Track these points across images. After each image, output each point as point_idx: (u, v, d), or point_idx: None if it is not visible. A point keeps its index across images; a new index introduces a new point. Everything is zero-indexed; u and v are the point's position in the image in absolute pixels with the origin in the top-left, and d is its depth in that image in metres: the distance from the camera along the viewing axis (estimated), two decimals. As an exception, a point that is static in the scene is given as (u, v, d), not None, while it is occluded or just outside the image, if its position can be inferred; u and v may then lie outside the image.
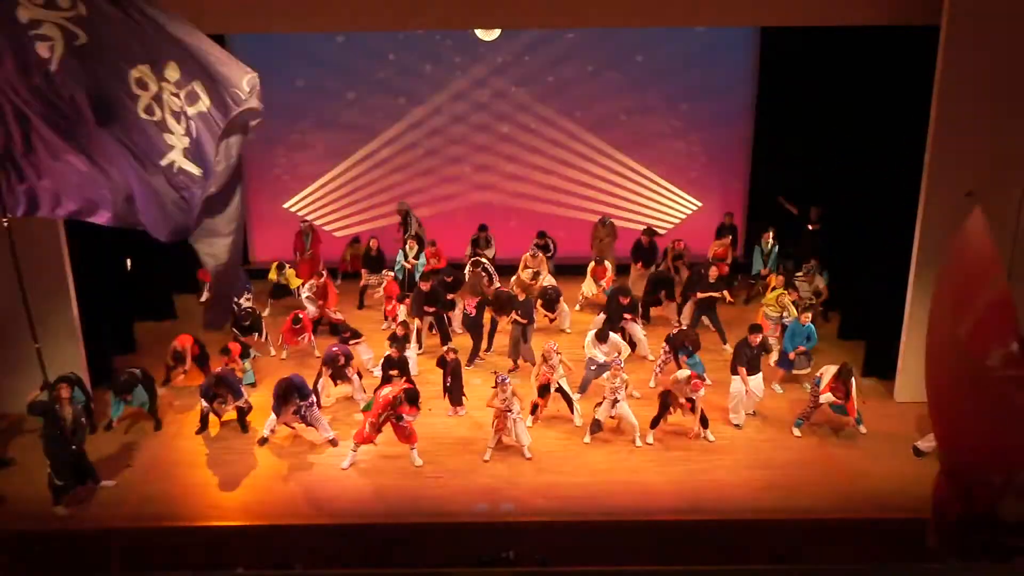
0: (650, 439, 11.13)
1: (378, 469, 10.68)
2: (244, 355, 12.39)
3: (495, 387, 10.68)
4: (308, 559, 9.21)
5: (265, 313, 14.02)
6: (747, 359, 11.38)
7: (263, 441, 11.08)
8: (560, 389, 11.40)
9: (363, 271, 14.95)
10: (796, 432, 11.33)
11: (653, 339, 13.21)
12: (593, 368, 11.86)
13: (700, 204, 16.21)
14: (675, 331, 12.37)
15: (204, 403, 11.17)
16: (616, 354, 11.50)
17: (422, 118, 15.70)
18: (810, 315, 12.32)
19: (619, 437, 11.24)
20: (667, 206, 16.21)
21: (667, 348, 12.17)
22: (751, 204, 15.89)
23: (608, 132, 15.87)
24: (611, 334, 11.94)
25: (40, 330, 11.14)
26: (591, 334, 12.00)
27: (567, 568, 8.53)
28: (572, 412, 11.47)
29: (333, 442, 11.03)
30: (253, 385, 12.32)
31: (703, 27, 14.54)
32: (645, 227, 15.22)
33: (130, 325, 13.56)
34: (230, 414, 11.42)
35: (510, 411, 10.60)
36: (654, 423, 11.12)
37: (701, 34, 15.06)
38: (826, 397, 10.94)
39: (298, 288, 14.19)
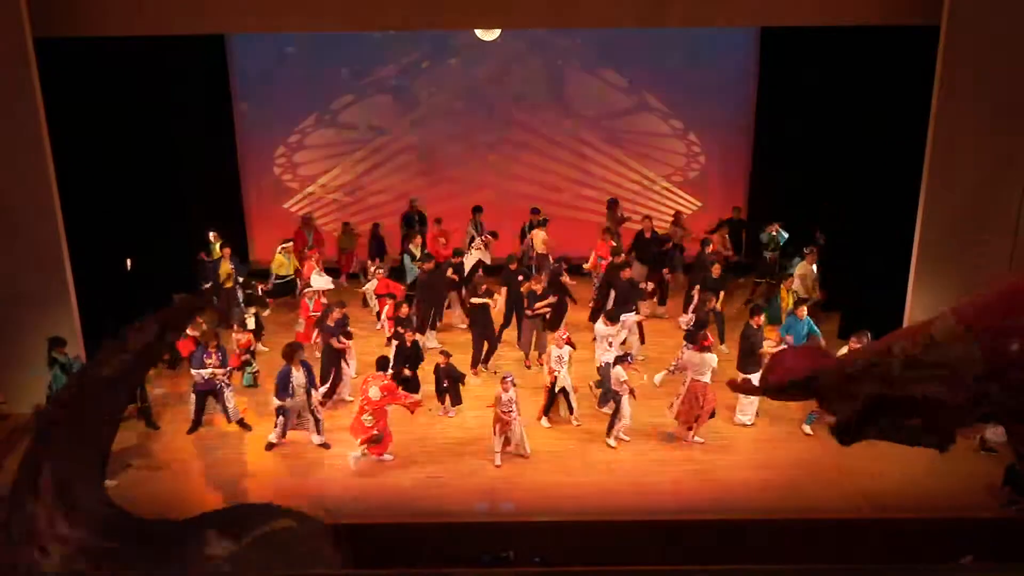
0: (697, 439, 11.09)
1: (378, 469, 10.67)
2: (246, 363, 12.28)
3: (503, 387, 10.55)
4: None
5: (266, 313, 14.01)
6: (752, 345, 11.22)
7: (270, 446, 11.04)
8: (564, 391, 11.36)
9: (367, 260, 14.89)
10: (807, 429, 11.22)
11: (653, 339, 13.18)
12: (611, 380, 11.26)
13: (700, 204, 16.21)
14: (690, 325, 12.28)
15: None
16: (629, 354, 11.34)
17: (422, 118, 15.71)
18: (805, 309, 12.15)
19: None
20: (667, 206, 16.21)
21: (683, 350, 11.99)
22: (752, 204, 15.87)
23: (608, 132, 15.87)
24: (622, 315, 11.72)
25: (40, 329, 11.29)
26: (599, 322, 11.73)
27: (567, 568, 8.52)
28: (571, 413, 11.45)
29: (325, 445, 11.03)
30: (253, 386, 12.34)
31: (703, 27, 14.54)
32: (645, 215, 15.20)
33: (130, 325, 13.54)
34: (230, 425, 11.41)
35: (512, 413, 10.54)
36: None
37: (701, 34, 15.06)
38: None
39: (296, 271, 14.20)
